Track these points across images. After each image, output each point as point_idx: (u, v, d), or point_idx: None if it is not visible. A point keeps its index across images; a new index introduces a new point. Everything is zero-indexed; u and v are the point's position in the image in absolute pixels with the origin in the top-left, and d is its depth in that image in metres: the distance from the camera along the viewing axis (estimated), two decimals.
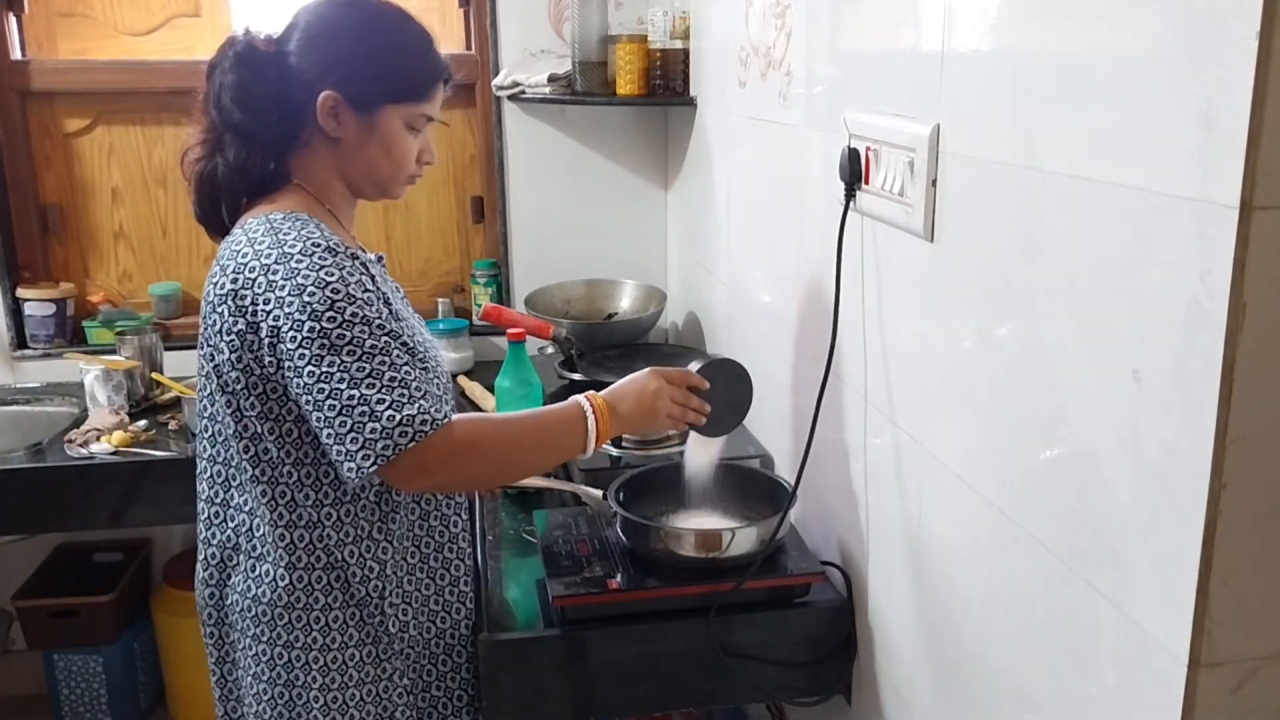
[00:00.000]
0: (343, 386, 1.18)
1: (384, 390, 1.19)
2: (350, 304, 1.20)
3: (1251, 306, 0.72)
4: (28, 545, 2.59)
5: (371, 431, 1.17)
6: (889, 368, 1.29)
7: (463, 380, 2.45)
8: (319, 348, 1.19)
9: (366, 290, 1.23)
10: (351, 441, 1.18)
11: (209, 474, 1.36)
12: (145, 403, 2.35)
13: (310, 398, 1.20)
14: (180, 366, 2.44)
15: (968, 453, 1.11)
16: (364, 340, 1.20)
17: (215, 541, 1.37)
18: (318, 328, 1.19)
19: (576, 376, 2.09)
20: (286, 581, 1.30)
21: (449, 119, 2.60)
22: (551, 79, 2.36)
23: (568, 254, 2.61)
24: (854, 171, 1.30)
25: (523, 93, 2.43)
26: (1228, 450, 0.74)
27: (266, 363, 1.23)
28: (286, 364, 1.21)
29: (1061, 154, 0.91)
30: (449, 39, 2.60)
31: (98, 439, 2.15)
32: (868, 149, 1.28)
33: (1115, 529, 0.86)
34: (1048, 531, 0.96)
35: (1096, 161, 0.85)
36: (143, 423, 2.24)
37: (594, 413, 1.32)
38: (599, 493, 1.50)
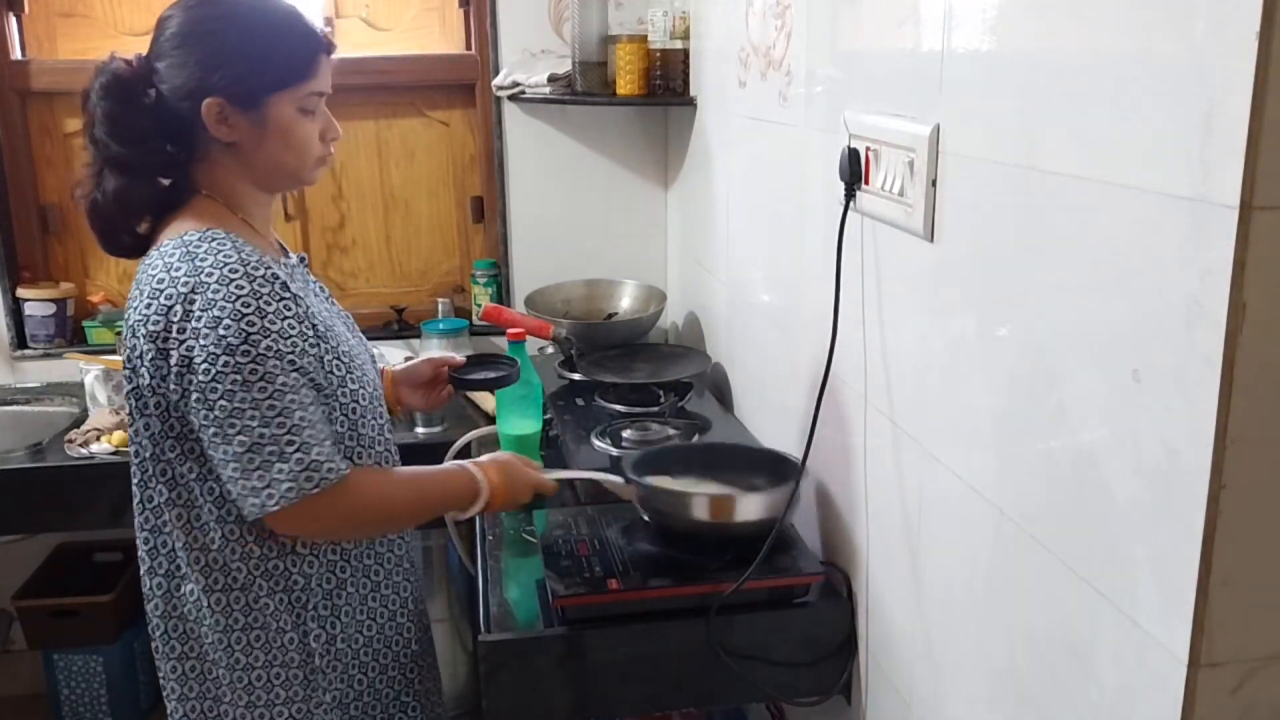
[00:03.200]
0: (253, 424, 1.19)
1: (293, 431, 1.20)
2: (265, 336, 1.19)
3: (1251, 306, 0.72)
4: (28, 545, 2.59)
5: (279, 472, 1.19)
6: (889, 368, 1.29)
7: None
8: (231, 382, 1.18)
9: (285, 317, 1.22)
10: (258, 479, 1.19)
11: (156, 503, 1.33)
12: None
13: (219, 431, 1.20)
14: None
15: (968, 453, 1.11)
16: (276, 377, 1.20)
17: (163, 571, 1.35)
18: (232, 362, 1.18)
19: (576, 376, 2.08)
20: (223, 604, 1.31)
21: (449, 119, 2.61)
22: (551, 79, 2.36)
23: (568, 254, 2.61)
24: (854, 171, 1.30)
25: (523, 93, 2.43)
26: (1228, 450, 0.74)
27: (172, 389, 1.22)
28: (194, 395, 1.20)
29: (1061, 154, 0.91)
30: (449, 39, 2.60)
31: (98, 439, 2.15)
32: (868, 149, 1.28)
33: (1115, 529, 0.86)
34: (1048, 531, 0.96)
35: (1096, 161, 0.85)
36: None
37: (487, 488, 1.36)
38: (620, 479, 1.50)
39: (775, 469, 1.54)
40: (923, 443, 1.21)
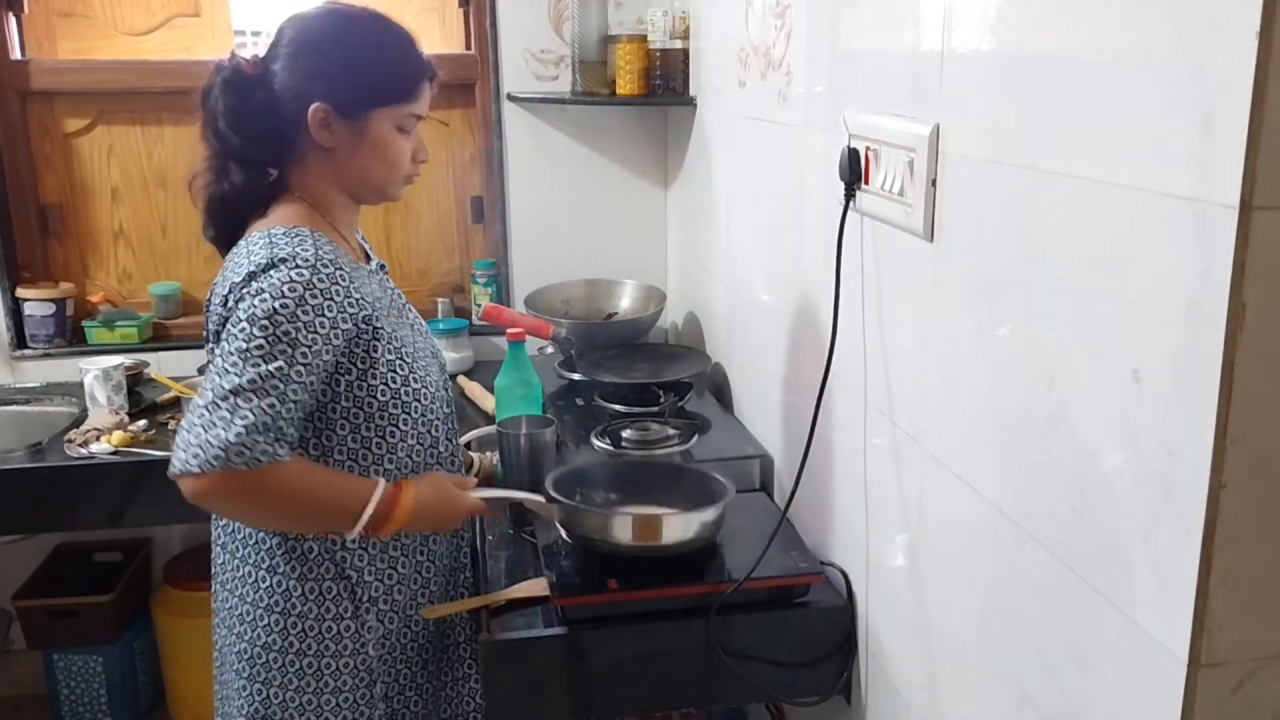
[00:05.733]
0: (227, 386, 1.19)
1: (254, 410, 1.18)
2: (290, 322, 1.22)
3: (1251, 306, 0.72)
4: (28, 545, 2.59)
5: (214, 437, 1.17)
6: (889, 368, 1.29)
7: (462, 380, 2.45)
8: (235, 347, 1.21)
9: (324, 314, 1.24)
10: (196, 435, 1.18)
11: None
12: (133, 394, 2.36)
13: (207, 382, 1.22)
14: (180, 366, 2.44)
15: (967, 453, 1.11)
16: (275, 359, 1.20)
17: (240, 556, 1.39)
18: (249, 330, 1.21)
19: (576, 376, 2.09)
20: (283, 588, 1.34)
21: (449, 119, 2.61)
22: None
23: (568, 254, 2.61)
24: (854, 171, 1.30)
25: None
26: (1228, 450, 0.74)
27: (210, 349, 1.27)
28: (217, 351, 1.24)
29: (1061, 154, 0.91)
30: (449, 39, 2.60)
31: (98, 439, 2.15)
32: (868, 149, 1.28)
33: (1115, 529, 0.86)
34: (1047, 531, 0.96)
35: (1096, 161, 0.85)
36: (143, 423, 2.24)
37: (375, 507, 1.28)
38: (541, 499, 1.45)
39: (703, 490, 1.49)
40: (922, 442, 1.21)
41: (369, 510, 1.28)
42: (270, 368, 1.20)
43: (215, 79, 1.34)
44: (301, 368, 1.23)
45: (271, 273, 1.23)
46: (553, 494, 1.43)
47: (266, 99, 1.33)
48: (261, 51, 1.37)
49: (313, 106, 1.31)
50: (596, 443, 1.80)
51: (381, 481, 1.31)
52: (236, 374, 1.20)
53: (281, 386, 1.21)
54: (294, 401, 1.22)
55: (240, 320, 1.22)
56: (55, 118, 2.49)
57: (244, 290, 1.23)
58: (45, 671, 2.53)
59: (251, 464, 1.18)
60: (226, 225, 1.38)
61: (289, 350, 1.22)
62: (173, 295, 2.58)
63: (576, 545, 1.43)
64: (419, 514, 1.33)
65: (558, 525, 1.45)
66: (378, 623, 1.38)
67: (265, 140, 1.34)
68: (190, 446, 1.18)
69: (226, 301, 1.26)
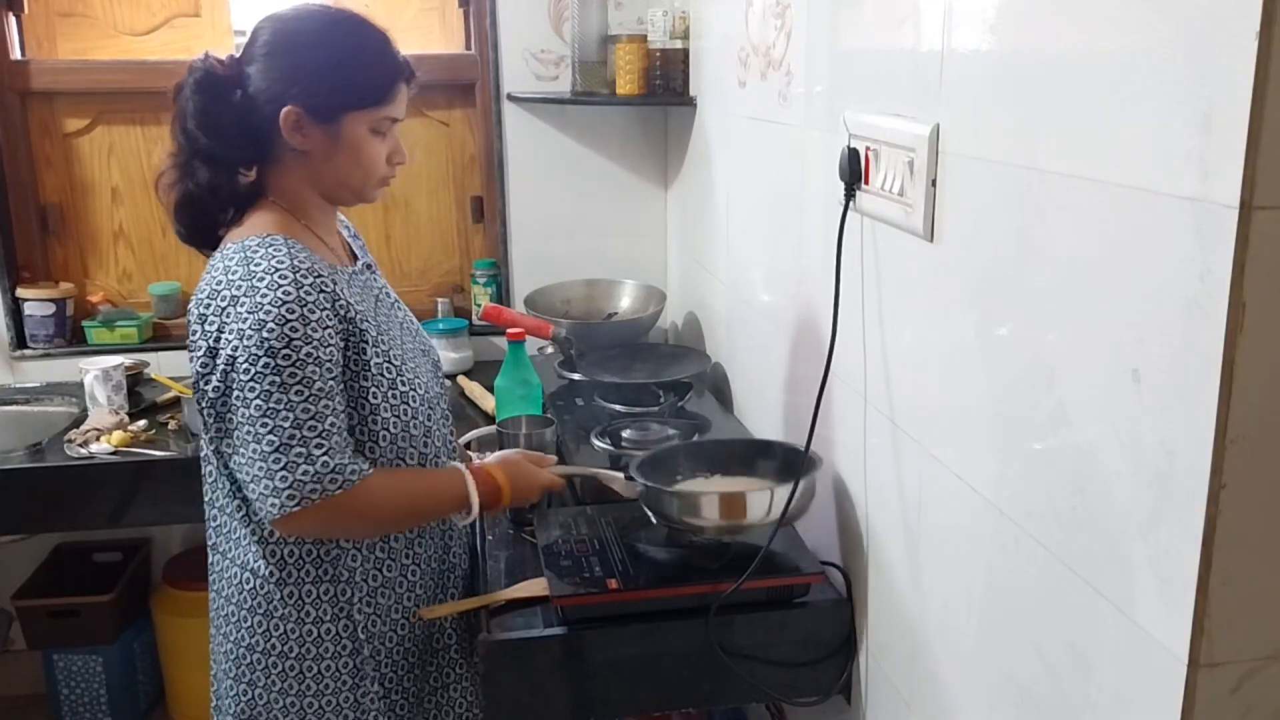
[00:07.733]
0: (285, 424, 1.22)
1: (323, 435, 1.23)
2: (306, 343, 1.23)
3: (1251, 306, 0.72)
4: (28, 545, 2.59)
5: (303, 474, 1.21)
6: (889, 368, 1.29)
7: (462, 380, 2.46)
8: (270, 383, 1.22)
9: (326, 326, 1.25)
10: (281, 479, 1.21)
11: (219, 496, 1.39)
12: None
13: (251, 429, 1.23)
14: (180, 366, 2.44)
15: (967, 452, 1.11)
16: (313, 382, 1.23)
17: (231, 557, 1.39)
18: (273, 364, 1.22)
19: (576, 376, 2.08)
20: (264, 590, 1.35)
21: (449, 119, 2.61)
22: None
23: (568, 254, 2.61)
24: (854, 171, 1.30)
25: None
26: (1227, 450, 0.74)
27: (214, 386, 1.25)
28: (235, 392, 1.23)
29: (1061, 154, 0.91)
30: (449, 39, 2.60)
31: (97, 439, 2.15)
32: (867, 149, 1.28)
33: (1115, 529, 0.86)
34: (1047, 531, 0.96)
35: (1096, 161, 0.85)
36: (142, 423, 2.24)
37: (478, 494, 1.37)
38: (620, 475, 1.49)
39: (785, 460, 1.50)
40: (922, 442, 1.21)
41: (473, 496, 1.36)
42: (313, 390, 1.23)
43: (188, 78, 1.33)
44: (332, 381, 1.26)
45: (257, 296, 1.22)
46: (632, 473, 1.45)
47: (240, 101, 1.32)
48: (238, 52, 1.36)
49: (285, 110, 1.30)
50: (596, 443, 1.80)
51: (462, 467, 1.39)
52: (289, 409, 1.22)
53: (330, 404, 1.25)
54: (343, 411, 1.27)
55: (258, 355, 1.21)
56: (55, 118, 2.49)
57: (241, 325, 1.22)
58: (45, 671, 2.53)
59: (347, 485, 1.23)
60: (198, 225, 1.37)
61: (318, 368, 1.24)
62: (173, 295, 2.58)
63: (659, 528, 1.46)
64: (513, 490, 1.41)
65: (644, 507, 1.45)
66: (363, 626, 1.38)
67: (236, 141, 1.33)
68: (279, 492, 1.22)
69: (215, 326, 1.24)
